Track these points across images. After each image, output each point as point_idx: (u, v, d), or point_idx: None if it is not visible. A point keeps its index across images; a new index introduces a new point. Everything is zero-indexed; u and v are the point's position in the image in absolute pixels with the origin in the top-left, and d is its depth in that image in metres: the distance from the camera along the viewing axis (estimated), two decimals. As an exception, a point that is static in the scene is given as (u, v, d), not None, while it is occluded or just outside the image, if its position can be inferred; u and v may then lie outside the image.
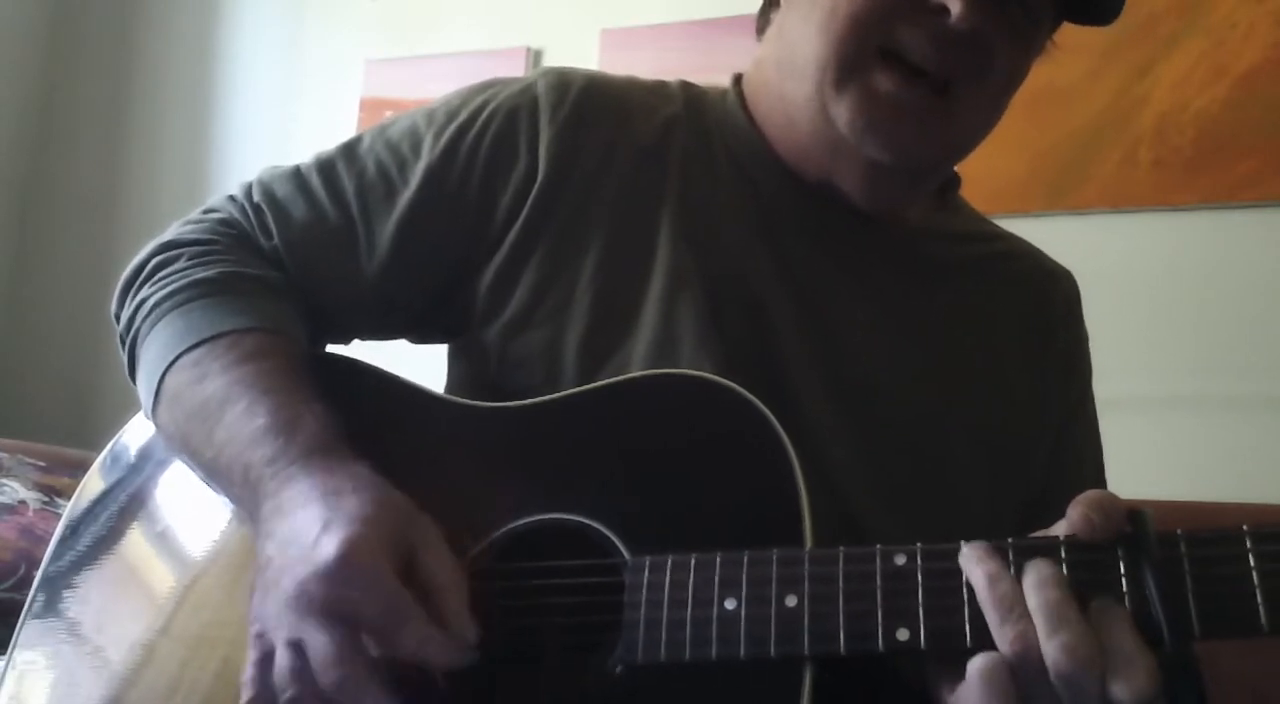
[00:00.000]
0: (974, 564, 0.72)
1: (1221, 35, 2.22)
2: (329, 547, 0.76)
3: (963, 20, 0.88)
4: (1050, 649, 0.67)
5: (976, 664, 0.70)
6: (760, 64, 1.05)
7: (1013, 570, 0.72)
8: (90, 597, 0.98)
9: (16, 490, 2.27)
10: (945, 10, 0.89)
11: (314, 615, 0.75)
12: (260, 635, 0.79)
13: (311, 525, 0.78)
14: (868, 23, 0.91)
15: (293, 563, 0.77)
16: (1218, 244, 2.19)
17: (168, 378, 0.94)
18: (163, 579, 0.97)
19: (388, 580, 0.76)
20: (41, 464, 2.37)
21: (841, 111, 0.93)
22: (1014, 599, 0.70)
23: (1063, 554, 0.71)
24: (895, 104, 0.92)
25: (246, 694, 0.79)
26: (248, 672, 0.79)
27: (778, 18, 1.03)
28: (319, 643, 0.75)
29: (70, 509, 1.04)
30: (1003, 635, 0.70)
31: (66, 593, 0.99)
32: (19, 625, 0.98)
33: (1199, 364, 2.15)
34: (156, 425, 0.97)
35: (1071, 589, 0.70)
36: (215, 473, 0.91)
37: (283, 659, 0.76)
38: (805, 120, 0.97)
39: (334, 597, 0.75)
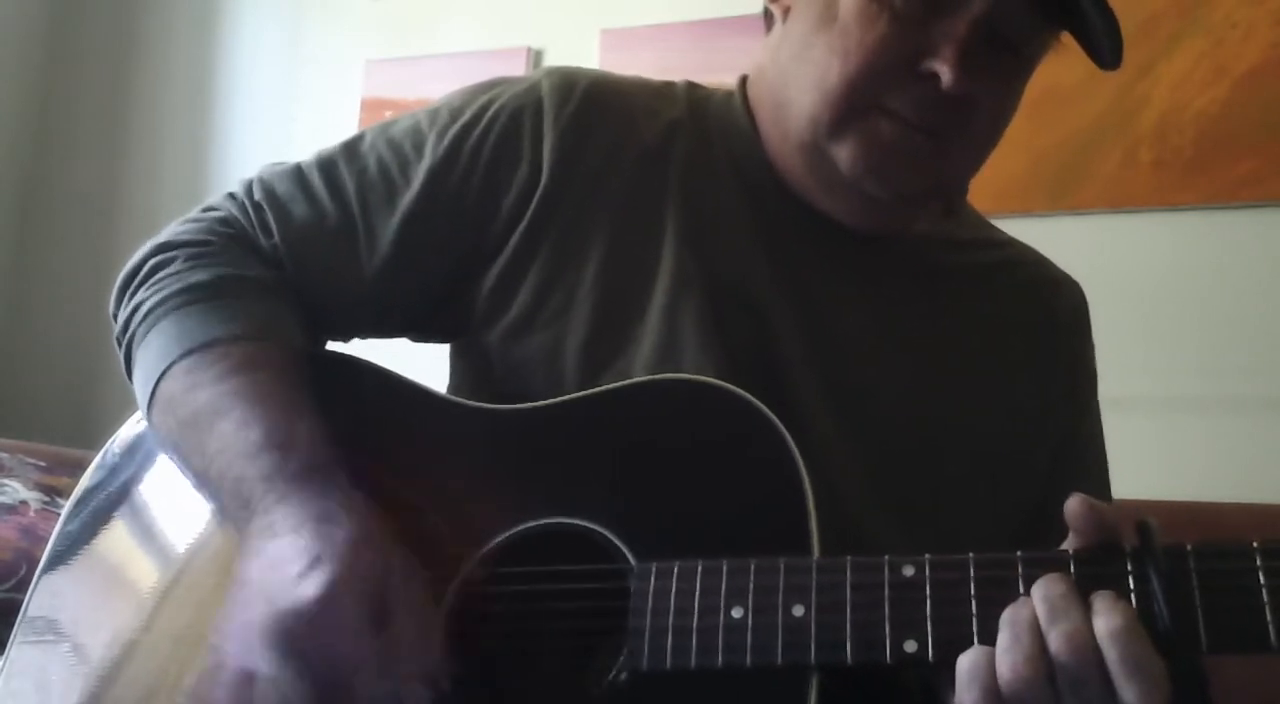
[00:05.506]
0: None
1: (1221, 35, 2.21)
2: (311, 587, 0.76)
3: (954, 87, 0.89)
4: (1051, 638, 0.68)
5: (964, 660, 0.70)
6: (761, 73, 1.04)
7: (1021, 584, 0.72)
8: (80, 595, 0.98)
9: (17, 490, 2.27)
10: (935, 75, 0.89)
11: (280, 651, 0.76)
12: (217, 649, 0.79)
13: (298, 556, 0.78)
14: (859, 87, 0.92)
15: (272, 591, 0.77)
16: (1218, 244, 2.19)
17: (162, 384, 0.94)
18: (148, 578, 0.97)
19: (359, 637, 0.76)
20: (42, 464, 2.36)
21: (842, 156, 0.94)
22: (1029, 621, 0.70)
23: (1071, 568, 0.72)
24: (895, 149, 0.93)
25: (182, 700, 0.80)
26: (190, 678, 0.80)
27: (775, 34, 1.03)
28: (278, 679, 0.75)
29: (65, 510, 1.04)
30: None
31: (61, 590, 0.99)
32: (17, 623, 0.99)
33: (1199, 364, 2.15)
34: (152, 428, 0.98)
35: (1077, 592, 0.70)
36: (206, 482, 0.91)
37: (233, 683, 0.77)
38: (799, 156, 0.98)
39: (304, 639, 0.75)
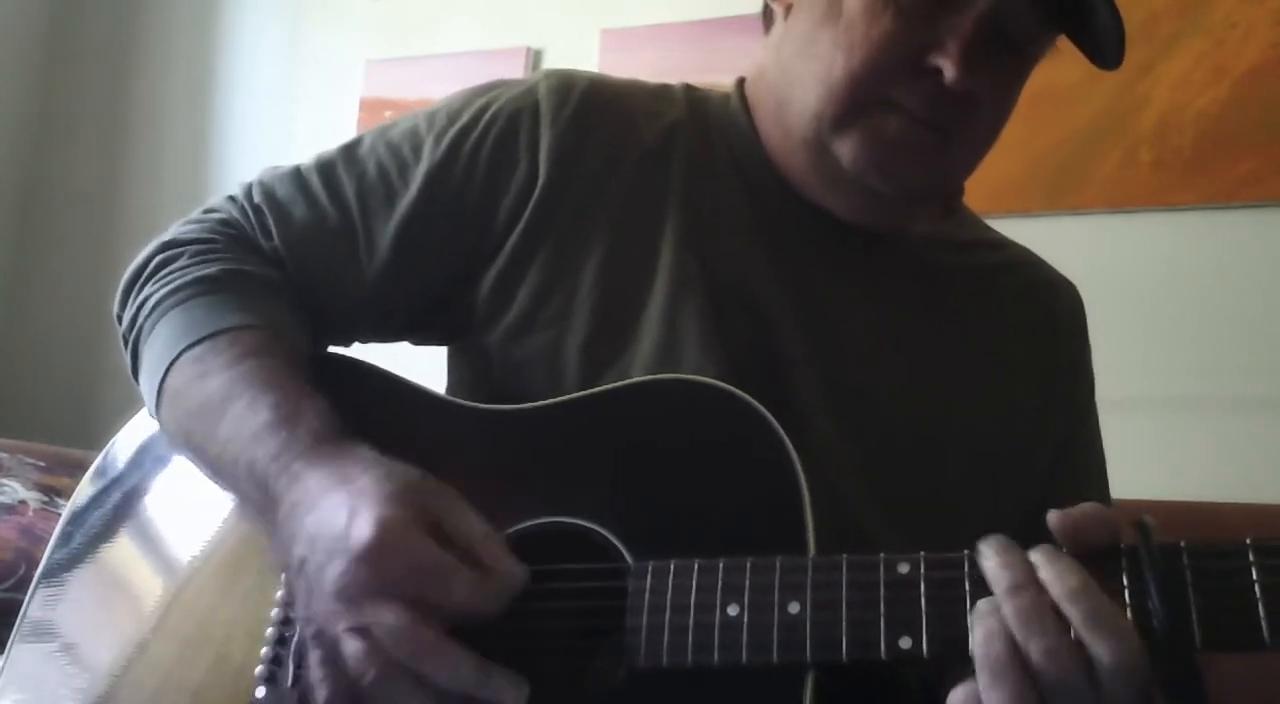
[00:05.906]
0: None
1: (1221, 35, 2.21)
2: (362, 530, 0.77)
3: (958, 82, 0.89)
4: (1031, 654, 0.67)
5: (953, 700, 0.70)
6: (761, 73, 1.05)
7: None
8: (86, 596, 0.99)
9: (16, 490, 2.27)
10: (939, 70, 0.90)
11: (368, 598, 0.76)
12: (319, 634, 0.79)
13: (337, 515, 0.79)
14: (864, 82, 0.92)
15: (330, 556, 0.78)
16: (1218, 244, 2.19)
17: (170, 376, 0.94)
18: (156, 578, 0.97)
19: (426, 549, 0.77)
20: (41, 464, 2.36)
21: (845, 150, 0.94)
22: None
23: None
24: (900, 143, 0.93)
25: (323, 694, 0.79)
26: (315, 672, 0.79)
27: (776, 33, 1.03)
28: (383, 621, 0.75)
29: (65, 513, 1.04)
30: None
31: (62, 593, 0.99)
32: (16, 625, 0.99)
33: (1199, 364, 2.15)
34: (160, 423, 0.98)
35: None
36: (220, 470, 0.91)
37: (352, 646, 0.77)
38: (802, 152, 0.98)
39: (380, 576, 0.76)
